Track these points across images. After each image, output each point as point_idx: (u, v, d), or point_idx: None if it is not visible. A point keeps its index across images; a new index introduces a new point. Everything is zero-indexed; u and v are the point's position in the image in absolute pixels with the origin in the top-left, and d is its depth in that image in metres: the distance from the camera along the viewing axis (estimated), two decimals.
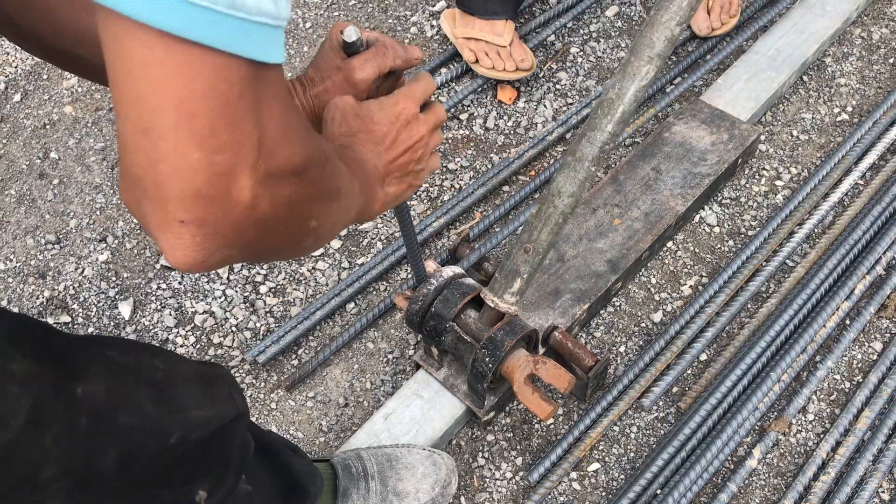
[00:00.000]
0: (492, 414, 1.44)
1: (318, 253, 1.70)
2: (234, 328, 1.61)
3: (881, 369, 1.47)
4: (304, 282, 1.67)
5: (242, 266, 1.69)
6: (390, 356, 1.57)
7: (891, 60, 1.95)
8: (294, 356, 1.57)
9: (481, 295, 1.37)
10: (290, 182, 0.59)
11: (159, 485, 0.82)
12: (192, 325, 1.62)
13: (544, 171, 1.77)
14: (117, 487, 0.75)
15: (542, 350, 1.44)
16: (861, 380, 1.48)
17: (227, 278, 1.67)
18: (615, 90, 1.24)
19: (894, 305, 1.55)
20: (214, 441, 0.86)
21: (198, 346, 1.60)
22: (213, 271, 1.68)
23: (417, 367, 1.49)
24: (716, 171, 1.67)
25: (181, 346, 1.60)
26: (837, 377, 1.49)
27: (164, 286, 1.67)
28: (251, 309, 1.64)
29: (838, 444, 1.41)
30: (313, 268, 1.68)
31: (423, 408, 1.42)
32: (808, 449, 1.41)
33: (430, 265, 1.46)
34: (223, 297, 1.65)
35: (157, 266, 1.70)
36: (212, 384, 0.88)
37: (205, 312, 1.63)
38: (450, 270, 1.41)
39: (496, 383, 1.38)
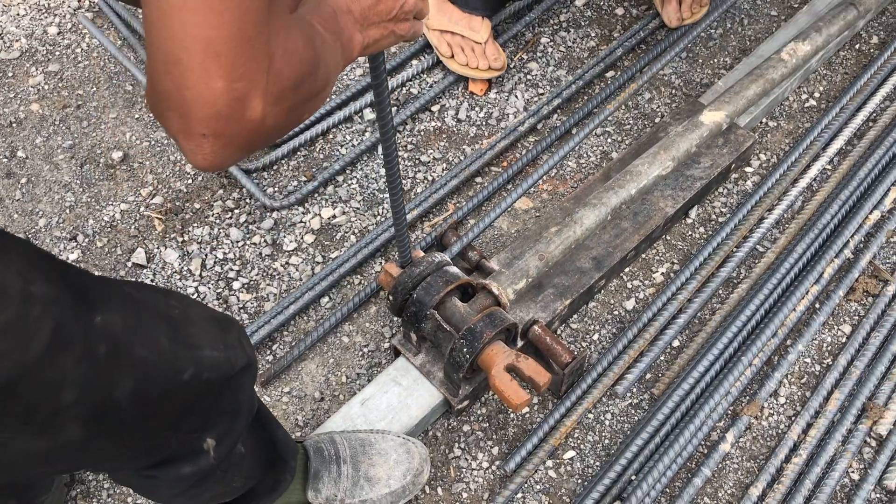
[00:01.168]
0: (465, 403, 1.45)
1: (291, 248, 1.70)
2: None
3: (850, 352, 1.49)
4: (277, 277, 1.66)
5: (215, 262, 1.68)
6: (365, 349, 1.57)
7: (857, 46, 1.97)
8: (269, 352, 1.57)
9: (486, 284, 1.39)
10: (292, 95, 0.69)
11: (171, 428, 0.85)
12: None
13: (517, 162, 1.77)
14: (132, 420, 0.78)
15: (520, 343, 1.45)
16: (831, 362, 1.50)
17: (200, 275, 1.67)
18: (644, 167, 1.56)
19: (862, 289, 1.57)
20: (225, 389, 0.89)
21: None
22: (185, 269, 1.67)
23: (396, 351, 1.49)
24: (708, 175, 1.67)
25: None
26: (808, 360, 1.51)
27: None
28: (224, 305, 1.63)
29: (809, 426, 1.43)
30: (287, 262, 1.68)
31: (401, 395, 1.43)
32: (779, 432, 1.43)
33: (420, 252, 1.46)
34: (196, 294, 1.64)
35: (129, 264, 1.69)
36: (224, 328, 0.91)
37: None
38: (437, 257, 1.42)
39: (472, 373, 1.39)
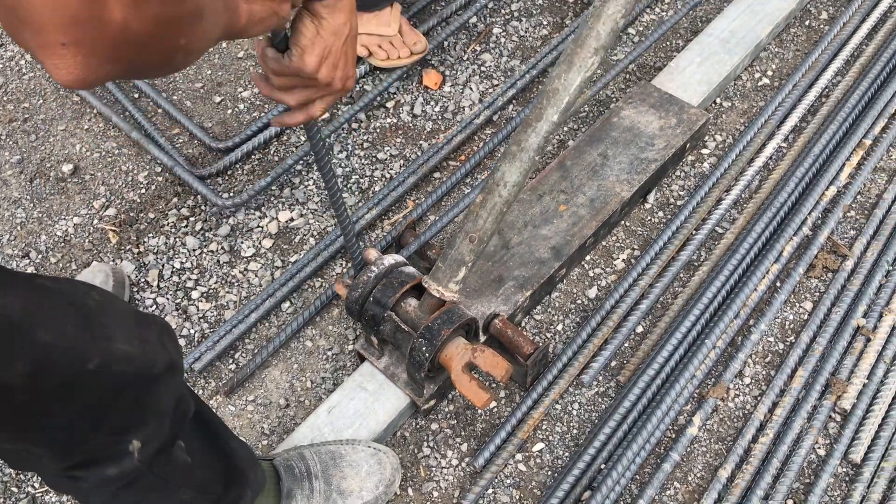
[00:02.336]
0: (432, 402, 1.43)
1: (249, 253, 1.67)
2: None
3: (812, 328, 1.50)
4: (236, 284, 1.64)
5: (172, 272, 1.65)
6: (329, 353, 1.55)
7: (807, 22, 1.97)
8: (231, 360, 1.55)
9: (423, 284, 1.36)
10: (155, 2, 0.64)
11: (91, 427, 0.83)
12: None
13: (474, 155, 1.76)
14: (29, 408, 0.76)
15: (482, 338, 1.44)
16: (793, 340, 1.51)
17: (158, 286, 1.64)
18: (561, 81, 1.24)
19: (822, 265, 1.58)
20: (147, 388, 0.87)
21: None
22: (142, 281, 1.64)
23: (361, 357, 1.47)
24: (663, 157, 1.67)
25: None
26: (771, 339, 1.51)
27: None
28: (184, 315, 1.60)
29: (775, 404, 1.43)
30: (245, 269, 1.66)
31: (367, 400, 1.41)
32: (746, 412, 1.44)
33: (372, 253, 1.44)
34: (154, 306, 1.61)
35: None
36: (142, 325, 0.89)
37: None
38: (391, 258, 1.40)
39: (434, 372, 1.38)
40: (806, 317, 1.53)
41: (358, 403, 1.41)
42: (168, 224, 1.72)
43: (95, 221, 1.74)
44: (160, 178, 1.80)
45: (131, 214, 1.74)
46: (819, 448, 1.39)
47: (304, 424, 1.39)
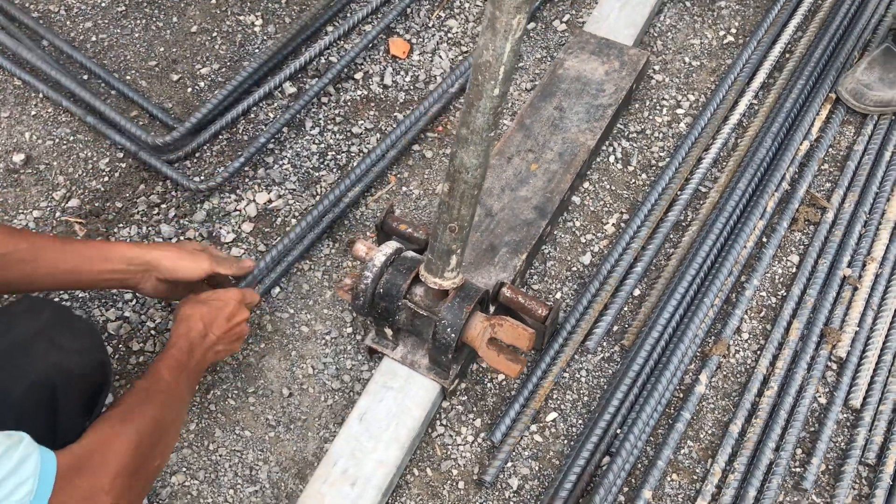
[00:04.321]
0: (456, 382, 1.42)
1: (230, 239, 1.60)
2: (153, 331, 1.50)
3: (801, 281, 1.54)
4: None
5: None
6: (328, 337, 1.50)
7: None
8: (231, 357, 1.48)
9: (421, 278, 1.32)
10: (139, 482, 0.99)
11: None
12: (106, 333, 1.50)
13: (452, 126, 1.72)
14: None
15: (492, 308, 1.42)
16: (785, 294, 1.55)
17: None
18: (490, 52, 1.09)
19: (804, 218, 1.62)
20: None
21: (116, 355, 1.48)
22: None
23: (371, 351, 1.44)
24: (616, 101, 1.68)
25: None
26: (763, 294, 1.55)
27: (65, 296, 1.53)
28: (169, 308, 1.53)
29: (775, 357, 1.47)
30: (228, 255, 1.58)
31: (397, 398, 1.38)
32: (748, 367, 1.47)
33: (361, 247, 1.40)
34: (135, 301, 1.53)
35: None
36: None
37: (118, 319, 1.51)
38: (386, 248, 1.36)
39: (458, 351, 1.35)
40: (794, 270, 1.57)
41: (389, 403, 1.38)
42: (138, 212, 1.63)
43: (58, 214, 1.63)
44: (123, 165, 1.69)
45: (96, 205, 1.64)
46: (820, 397, 1.44)
47: (340, 437, 1.35)
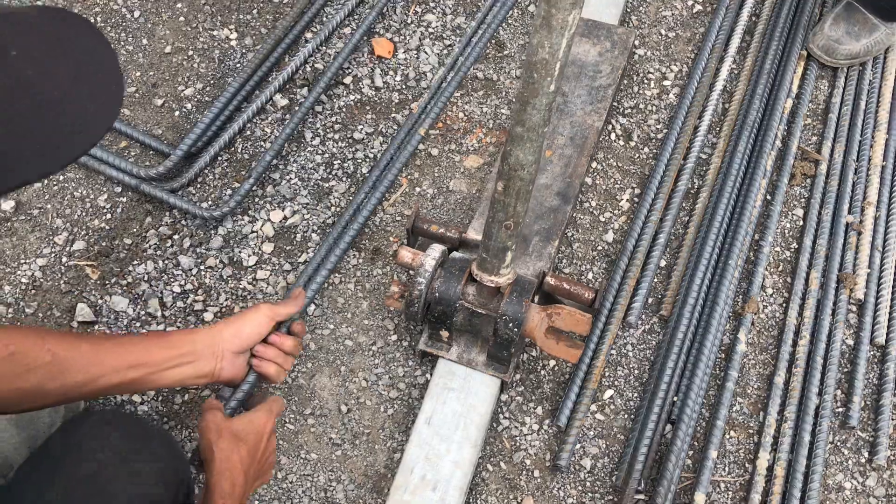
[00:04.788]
0: (516, 374, 1.44)
1: (252, 262, 1.57)
2: None
3: (810, 233, 1.63)
4: (249, 296, 1.54)
5: (175, 298, 1.52)
6: (374, 348, 1.50)
7: None
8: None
9: (475, 277, 1.33)
10: None
11: None
12: None
13: (455, 123, 1.73)
14: None
15: (535, 298, 1.44)
16: (797, 246, 1.63)
17: (163, 315, 1.50)
18: (546, 49, 1.15)
19: (800, 172, 1.71)
20: None
21: (159, 396, 1.43)
22: (143, 314, 1.50)
23: (423, 354, 1.44)
24: (614, 80, 1.72)
25: (140, 402, 1.43)
26: (778, 249, 1.63)
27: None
28: None
29: (801, 308, 1.55)
30: (254, 279, 1.55)
31: (460, 398, 1.39)
32: (778, 321, 1.55)
33: (406, 254, 1.40)
34: None
35: (75, 324, 1.49)
36: None
37: None
38: (433, 252, 1.36)
39: (517, 343, 1.37)
40: (801, 223, 1.66)
41: (453, 404, 1.39)
42: (150, 247, 1.57)
43: (64, 259, 1.55)
44: (123, 199, 1.63)
45: (104, 244, 1.57)
46: (847, 339, 1.53)
47: (411, 443, 1.35)
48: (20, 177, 0.67)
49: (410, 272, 1.54)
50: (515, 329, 1.30)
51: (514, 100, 1.15)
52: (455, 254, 1.38)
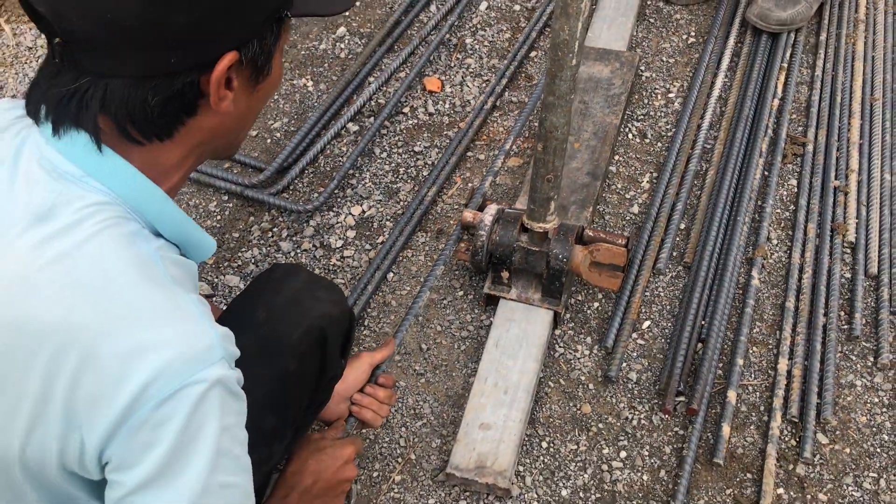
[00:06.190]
0: (566, 313, 1.72)
1: (339, 245, 1.89)
2: None
3: (805, 196, 1.93)
4: (340, 270, 1.85)
5: None
6: (445, 301, 1.79)
7: None
8: (363, 327, 1.75)
9: (527, 225, 1.64)
10: None
11: None
12: None
13: (496, 135, 2.09)
14: None
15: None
16: (794, 207, 1.93)
17: None
18: (566, 31, 1.52)
19: (791, 153, 2.03)
20: None
21: None
22: None
23: (488, 298, 1.73)
24: (625, 89, 2.08)
25: None
26: (779, 210, 1.93)
27: None
28: None
29: (803, 251, 1.84)
30: (342, 257, 1.87)
31: (521, 325, 1.67)
32: (784, 263, 1.83)
33: (469, 214, 1.71)
34: None
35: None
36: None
37: None
38: (490, 209, 1.68)
39: (567, 277, 1.66)
40: (796, 189, 1.97)
41: (515, 331, 1.67)
42: (254, 238, 1.90)
43: None
44: (230, 205, 1.98)
45: (216, 238, 1.90)
46: (845, 273, 1.80)
47: (483, 360, 1.63)
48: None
49: (472, 230, 1.84)
50: (565, 260, 1.60)
51: (544, 75, 1.50)
52: (506, 209, 1.70)
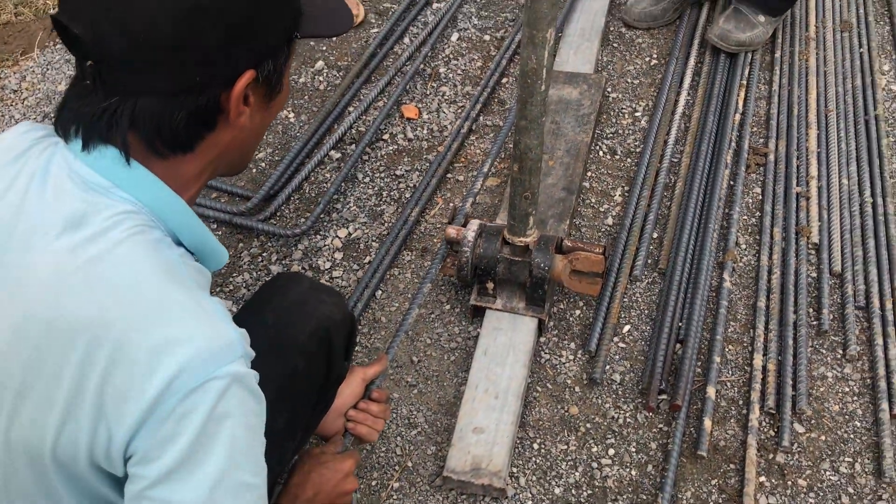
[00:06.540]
0: (549, 321, 1.79)
1: (328, 266, 1.95)
2: None
3: (769, 203, 2.04)
4: None
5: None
6: (432, 316, 1.86)
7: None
8: (360, 348, 1.81)
9: (507, 239, 1.72)
10: None
11: None
12: None
13: (474, 157, 2.17)
14: None
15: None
16: (760, 214, 2.03)
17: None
18: (534, 60, 1.59)
19: (754, 163, 2.14)
20: None
21: None
22: None
23: (474, 309, 1.80)
24: (594, 109, 2.19)
25: None
26: (745, 217, 2.03)
27: None
28: None
29: (770, 254, 1.93)
30: (331, 277, 1.93)
31: (507, 334, 1.74)
32: (753, 266, 1.93)
33: (452, 230, 1.79)
34: None
35: None
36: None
37: None
38: (472, 225, 1.76)
39: (549, 286, 1.74)
40: (760, 197, 2.07)
41: (502, 339, 1.74)
42: (244, 263, 1.96)
43: None
44: (220, 232, 2.03)
45: None
46: (811, 273, 1.90)
47: (473, 368, 1.70)
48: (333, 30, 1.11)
49: (456, 246, 1.92)
50: (546, 269, 1.68)
51: (515, 101, 1.60)
52: (487, 224, 1.77)
